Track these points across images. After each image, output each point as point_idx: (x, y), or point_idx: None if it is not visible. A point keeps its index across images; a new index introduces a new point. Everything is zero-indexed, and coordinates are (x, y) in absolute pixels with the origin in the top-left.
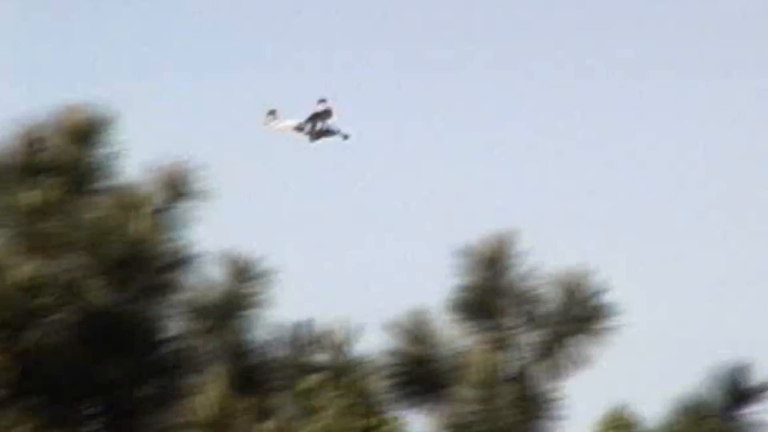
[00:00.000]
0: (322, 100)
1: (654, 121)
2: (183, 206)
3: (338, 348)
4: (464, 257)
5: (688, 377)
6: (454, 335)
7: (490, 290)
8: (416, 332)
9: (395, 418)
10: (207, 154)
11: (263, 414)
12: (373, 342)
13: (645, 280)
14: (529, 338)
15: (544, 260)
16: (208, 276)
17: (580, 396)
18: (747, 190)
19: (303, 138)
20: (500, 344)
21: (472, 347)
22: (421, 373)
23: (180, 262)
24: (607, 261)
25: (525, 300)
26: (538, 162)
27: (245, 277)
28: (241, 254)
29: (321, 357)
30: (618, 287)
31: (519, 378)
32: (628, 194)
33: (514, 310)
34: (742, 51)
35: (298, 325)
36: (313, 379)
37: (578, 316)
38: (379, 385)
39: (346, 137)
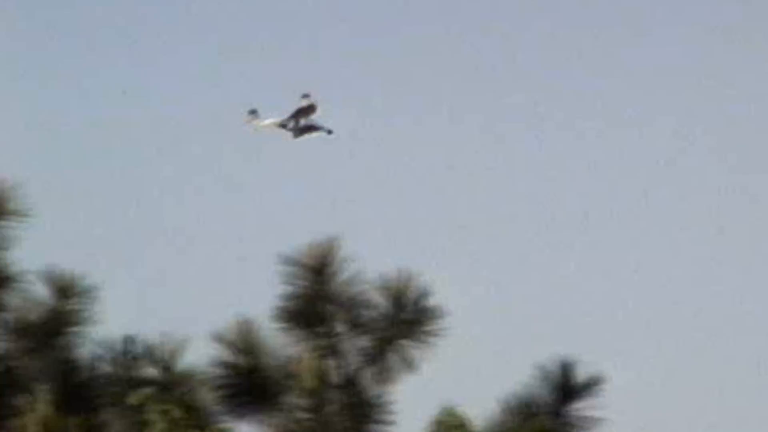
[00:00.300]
0: (306, 95)
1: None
2: (2, 225)
3: (166, 361)
4: (289, 265)
5: (515, 376)
6: (281, 344)
7: (317, 297)
8: (244, 342)
9: (226, 430)
10: None
11: (93, 430)
12: (201, 354)
13: (469, 282)
14: (356, 344)
15: (368, 266)
16: (31, 295)
17: (410, 399)
18: (566, 190)
19: (286, 135)
20: (328, 351)
21: (300, 355)
22: (250, 384)
23: (1, 281)
24: (430, 264)
25: (351, 306)
26: (357, 165)
27: (69, 294)
28: (64, 272)
29: (149, 371)
30: (442, 289)
31: (348, 384)
32: (448, 196)
33: (341, 317)
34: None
35: (125, 340)
36: (142, 393)
37: (405, 320)
38: (208, 396)
39: (329, 132)
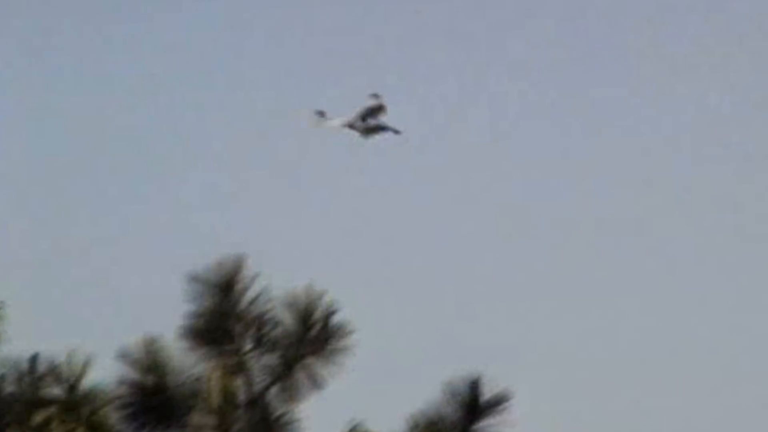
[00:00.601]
0: (374, 95)
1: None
2: None
3: (71, 380)
4: (196, 282)
5: (424, 393)
6: (188, 362)
7: (223, 315)
8: (150, 361)
9: None
10: None
11: None
12: (106, 372)
13: (377, 298)
14: (264, 362)
15: (275, 282)
16: None
17: (318, 418)
18: (476, 204)
19: (355, 135)
20: (235, 369)
21: (206, 373)
22: (156, 402)
23: None
24: (338, 280)
25: (258, 323)
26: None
27: None
28: None
29: (53, 390)
30: (350, 306)
31: (255, 402)
32: (355, 210)
33: (248, 334)
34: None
35: (28, 359)
36: (47, 412)
37: (312, 337)
38: (114, 416)
39: (397, 133)
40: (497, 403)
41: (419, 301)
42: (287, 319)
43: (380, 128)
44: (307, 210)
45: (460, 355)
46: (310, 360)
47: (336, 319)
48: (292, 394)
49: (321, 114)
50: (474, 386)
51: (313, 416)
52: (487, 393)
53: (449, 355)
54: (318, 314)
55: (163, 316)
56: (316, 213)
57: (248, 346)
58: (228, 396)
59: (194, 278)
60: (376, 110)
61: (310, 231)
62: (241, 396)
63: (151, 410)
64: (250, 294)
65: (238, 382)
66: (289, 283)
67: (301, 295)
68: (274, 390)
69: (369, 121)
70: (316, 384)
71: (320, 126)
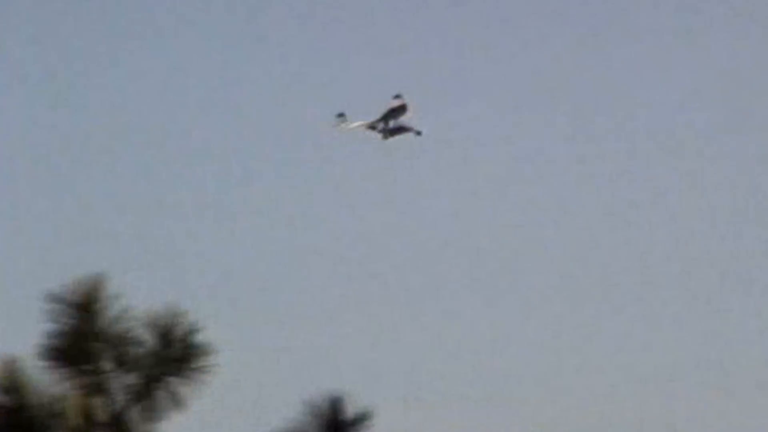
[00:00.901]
0: (397, 96)
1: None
2: None
3: None
4: (55, 302)
5: (285, 412)
6: (47, 382)
7: (83, 335)
8: (9, 381)
9: None
10: None
11: None
12: None
13: (237, 318)
14: (124, 381)
15: (135, 302)
16: None
17: None
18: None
19: (376, 137)
20: (95, 389)
21: (66, 393)
22: (16, 422)
23: None
24: (198, 301)
25: (118, 343)
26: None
27: None
28: None
29: None
30: (211, 326)
31: (115, 422)
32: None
33: (108, 354)
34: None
35: None
36: None
37: (172, 357)
38: None
39: (419, 133)
40: (358, 421)
41: (281, 319)
42: (148, 339)
43: (402, 129)
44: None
45: (322, 374)
46: (170, 379)
47: (197, 338)
48: (152, 414)
49: (341, 116)
50: (336, 405)
51: None
52: (348, 412)
53: (312, 374)
54: (178, 334)
55: (22, 336)
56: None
57: (108, 365)
58: (87, 416)
59: (54, 298)
60: (399, 111)
61: (173, 250)
62: (101, 415)
63: (11, 430)
64: (110, 314)
65: (98, 402)
66: (150, 302)
67: (161, 315)
68: (134, 409)
69: (390, 123)
70: (177, 404)
71: (340, 127)
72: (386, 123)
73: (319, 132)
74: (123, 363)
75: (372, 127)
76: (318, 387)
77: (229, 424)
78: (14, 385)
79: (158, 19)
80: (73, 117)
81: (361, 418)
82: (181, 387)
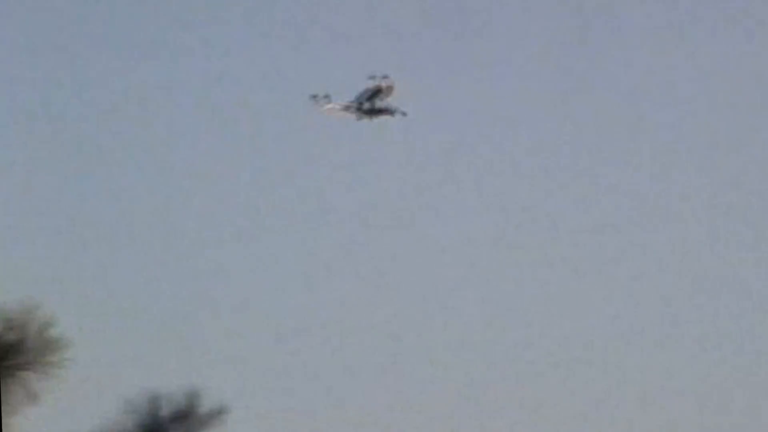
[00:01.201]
0: (377, 77)
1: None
2: None
3: None
4: None
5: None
6: None
7: None
8: None
9: None
10: None
11: None
12: None
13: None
14: None
15: None
16: None
17: (34, 431)
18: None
19: (352, 118)
20: None
21: None
22: None
23: None
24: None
25: None
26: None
27: None
28: None
29: None
30: (65, 320)
31: None
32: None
33: None
34: None
35: None
36: None
37: (26, 350)
38: None
39: (404, 114)
40: (213, 415)
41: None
42: (2, 333)
43: (383, 110)
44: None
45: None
46: (24, 373)
47: (51, 332)
48: (5, 407)
49: (316, 97)
50: (191, 399)
51: (29, 429)
52: (204, 406)
53: (167, 367)
54: (33, 328)
55: None
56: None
57: None
58: None
59: None
60: (380, 92)
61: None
62: None
63: None
64: None
65: None
66: (4, 297)
67: (16, 309)
68: None
69: (366, 105)
70: (31, 397)
71: (318, 108)
72: (366, 104)
73: (295, 113)
74: None
75: (348, 108)
76: (174, 381)
77: (83, 418)
78: None
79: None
80: None
81: (216, 413)
82: (35, 381)
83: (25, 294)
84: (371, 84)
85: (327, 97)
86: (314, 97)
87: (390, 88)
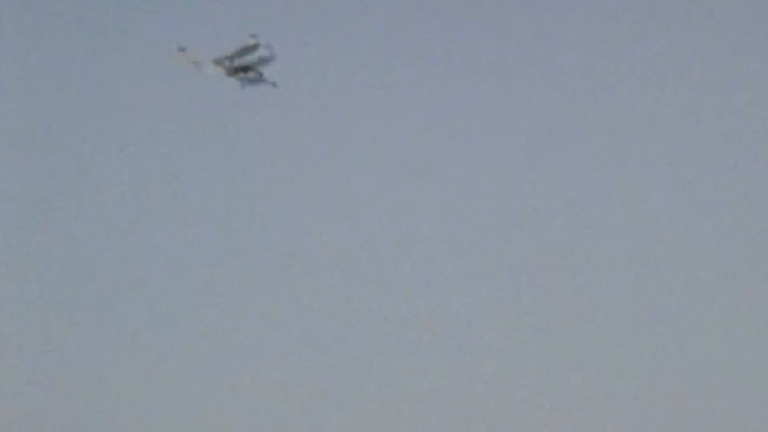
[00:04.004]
0: (253, 35)
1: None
2: None
3: None
4: None
5: None
6: None
7: None
8: None
9: None
10: None
11: None
12: None
13: None
14: None
15: None
16: None
17: None
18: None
19: (219, 72)
20: None
21: None
22: None
23: None
24: None
25: None
26: None
27: None
28: None
29: None
30: None
31: None
32: None
33: None
34: None
35: None
36: None
37: None
38: None
39: (274, 85)
40: None
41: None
42: None
43: (249, 69)
44: None
45: None
46: None
47: None
48: None
49: (183, 50)
50: None
51: None
52: None
53: None
54: None
55: None
56: None
57: None
58: None
59: None
60: (249, 50)
61: None
62: None
63: None
64: None
65: None
66: None
67: None
68: None
69: (240, 60)
70: None
71: (182, 62)
72: (232, 60)
73: (161, 63)
74: None
75: (218, 62)
76: None
77: None
78: None
79: None
80: None
81: None
82: None
83: None
84: (249, 41)
85: (184, 49)
86: (182, 49)
87: (259, 45)
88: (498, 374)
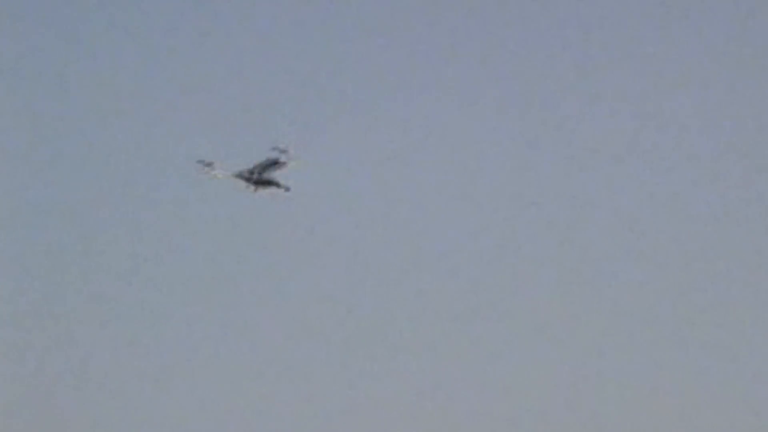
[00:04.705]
0: (276, 148)
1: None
2: None
3: None
4: None
5: None
6: None
7: None
8: None
9: None
10: None
11: None
12: None
13: None
14: None
15: None
16: None
17: None
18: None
19: (243, 185)
20: None
21: None
22: None
23: None
24: None
25: None
26: None
27: None
28: None
29: None
30: None
31: None
32: None
33: None
34: None
35: None
36: None
37: None
38: None
39: (287, 190)
40: None
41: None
42: None
43: (270, 182)
44: None
45: None
46: None
47: None
48: None
49: (207, 164)
50: None
51: None
52: None
53: None
54: None
55: None
56: None
57: None
58: None
59: None
60: (275, 165)
61: None
62: None
63: None
64: None
65: None
66: None
67: None
68: None
69: (263, 174)
70: None
71: (207, 173)
72: (260, 174)
73: (185, 177)
74: None
75: (241, 176)
76: None
77: None
78: None
79: None
80: None
81: None
82: None
83: None
84: (273, 155)
85: (210, 164)
86: (203, 161)
87: (287, 163)
88: (498, 374)
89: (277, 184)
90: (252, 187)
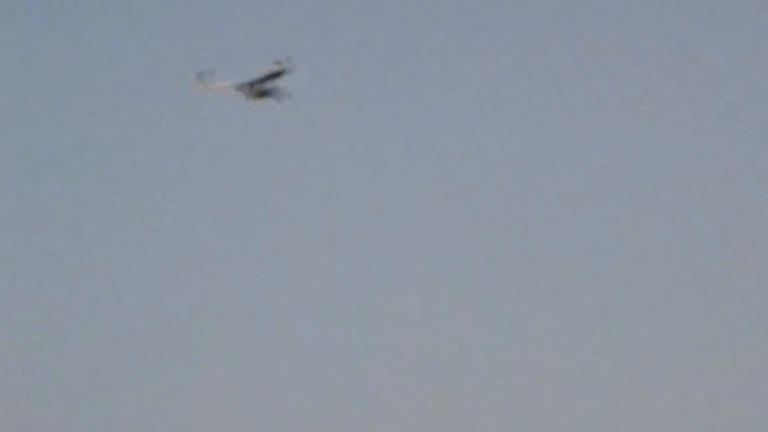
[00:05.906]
0: (279, 62)
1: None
2: None
3: None
4: None
5: None
6: None
7: None
8: None
9: None
10: None
11: None
12: None
13: None
14: None
15: None
16: None
17: None
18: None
19: (239, 97)
20: None
21: None
22: None
23: None
24: None
25: None
26: None
27: None
28: None
29: None
30: None
31: None
32: None
33: None
34: None
35: None
36: None
37: None
38: None
39: (289, 96)
40: None
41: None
42: None
43: (271, 92)
44: None
45: None
46: None
47: None
48: None
49: (202, 75)
50: None
51: None
52: None
53: None
54: None
55: None
56: None
57: None
58: None
59: None
60: (276, 75)
61: None
62: None
63: None
64: None
65: None
66: None
67: None
68: None
69: (257, 86)
70: None
71: (201, 88)
72: (257, 85)
73: (179, 92)
74: None
75: (240, 88)
76: None
77: None
78: None
79: None
80: None
81: None
82: None
83: None
84: (276, 67)
85: (211, 73)
86: (201, 74)
87: (283, 72)
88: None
89: (276, 96)
90: (252, 98)
